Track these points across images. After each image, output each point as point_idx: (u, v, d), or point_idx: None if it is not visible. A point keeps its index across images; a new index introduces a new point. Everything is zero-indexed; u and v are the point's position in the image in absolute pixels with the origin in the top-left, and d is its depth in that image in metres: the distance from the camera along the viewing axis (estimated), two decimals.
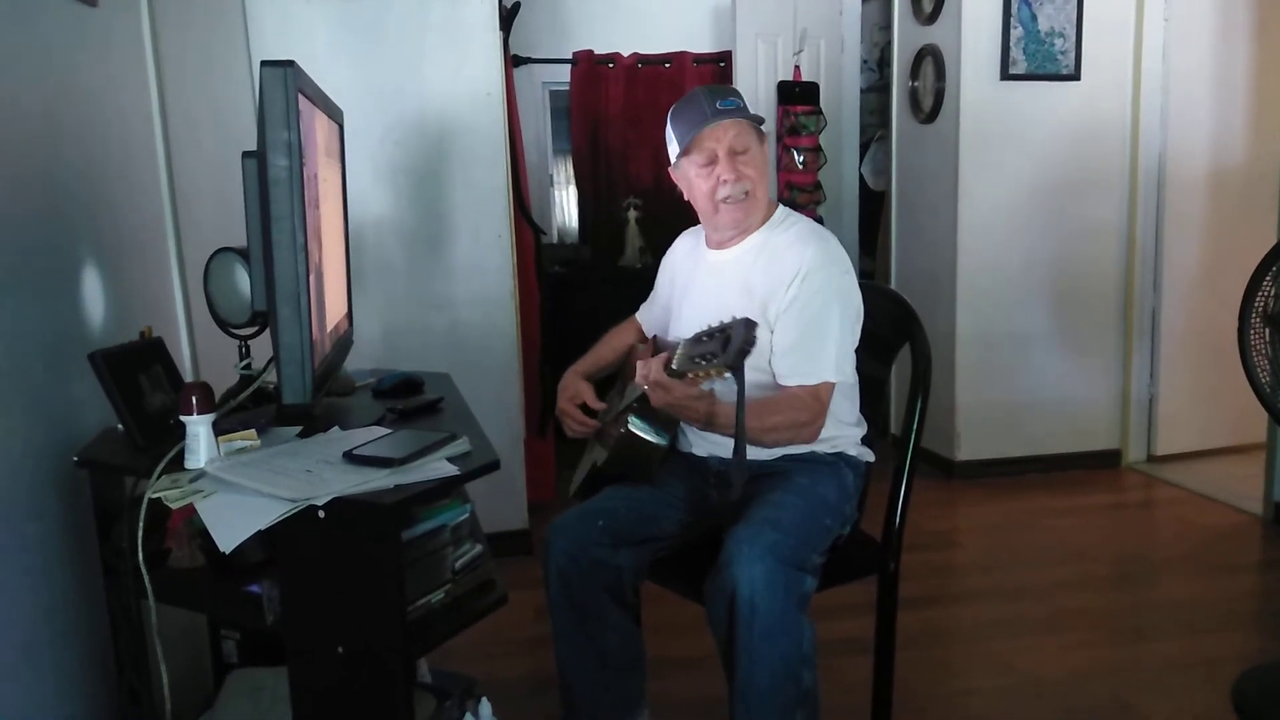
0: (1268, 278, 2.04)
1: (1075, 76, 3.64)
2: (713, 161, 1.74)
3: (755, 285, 1.75)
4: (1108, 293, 3.81)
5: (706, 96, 1.75)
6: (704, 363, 1.45)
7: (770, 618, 1.49)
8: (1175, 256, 3.79)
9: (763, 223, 1.81)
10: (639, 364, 1.60)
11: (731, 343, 1.43)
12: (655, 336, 1.99)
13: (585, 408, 1.87)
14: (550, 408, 3.40)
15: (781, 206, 1.86)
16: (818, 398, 1.69)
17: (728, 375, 1.45)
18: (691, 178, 1.78)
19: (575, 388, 1.91)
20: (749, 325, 1.44)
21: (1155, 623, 2.56)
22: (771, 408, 1.66)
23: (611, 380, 2.01)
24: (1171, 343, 3.83)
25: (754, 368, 1.68)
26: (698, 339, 1.51)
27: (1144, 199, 3.76)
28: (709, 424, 1.61)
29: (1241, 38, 3.73)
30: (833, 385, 1.70)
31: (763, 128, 1.79)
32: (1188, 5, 3.66)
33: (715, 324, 1.50)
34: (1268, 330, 2.04)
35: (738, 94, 1.78)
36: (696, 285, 1.87)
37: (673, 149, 1.80)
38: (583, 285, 4.26)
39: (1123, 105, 3.71)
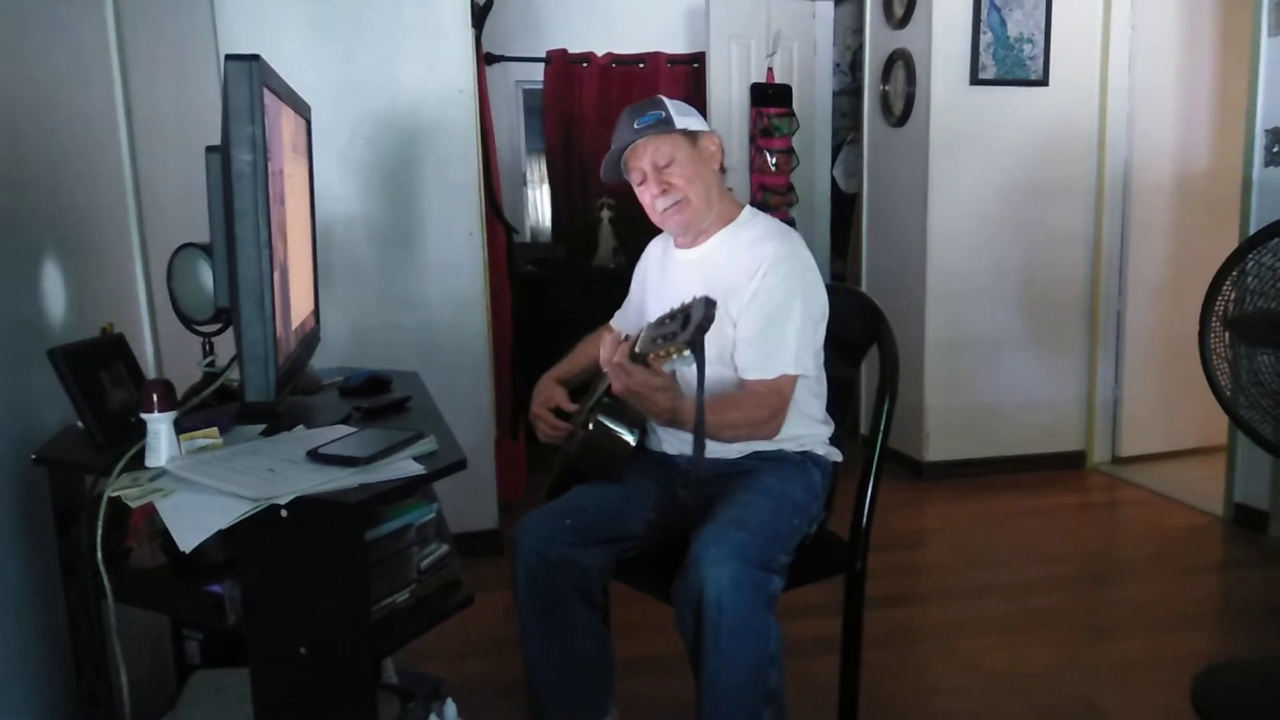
0: (1227, 283, 2.07)
1: (1044, 82, 3.68)
2: (644, 180, 1.80)
3: (718, 282, 1.75)
4: (1074, 297, 3.86)
5: (627, 118, 1.80)
6: (664, 342, 1.45)
7: (737, 619, 1.50)
8: (1140, 262, 3.85)
9: (727, 223, 1.83)
10: (603, 347, 1.59)
11: (691, 320, 1.42)
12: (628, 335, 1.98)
13: (559, 411, 1.87)
14: (521, 410, 3.40)
15: (748, 208, 1.88)
16: (778, 392, 1.69)
17: (688, 353, 1.44)
18: (638, 195, 1.84)
19: (549, 392, 1.91)
20: (709, 303, 1.44)
21: (1119, 622, 2.59)
22: (731, 404, 1.67)
23: (585, 388, 2.00)
24: (1136, 346, 3.89)
25: (718, 360, 1.69)
26: (660, 321, 1.52)
27: (1110, 204, 3.81)
28: (672, 419, 1.59)
29: (1206, 47, 3.79)
30: (794, 379, 1.71)
31: (700, 127, 1.80)
32: (1154, 14, 3.72)
33: (677, 306, 1.50)
34: (1227, 334, 2.07)
35: (659, 104, 1.80)
36: (666, 282, 1.88)
37: None
38: (556, 284, 4.26)
39: (1090, 111, 3.76)
